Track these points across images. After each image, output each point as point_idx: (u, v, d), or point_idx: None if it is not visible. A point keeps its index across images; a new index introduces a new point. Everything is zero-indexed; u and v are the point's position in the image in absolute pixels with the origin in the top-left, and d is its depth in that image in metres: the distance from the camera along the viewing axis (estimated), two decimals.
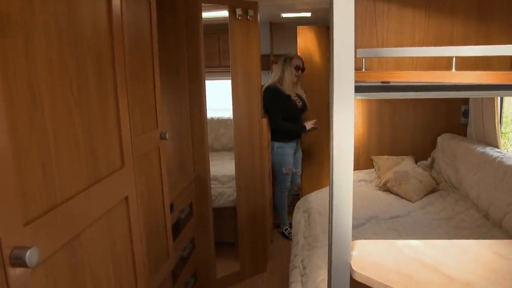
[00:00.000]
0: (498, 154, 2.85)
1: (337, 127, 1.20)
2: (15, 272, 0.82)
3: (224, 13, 3.36)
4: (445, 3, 1.29)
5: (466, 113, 3.64)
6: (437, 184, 3.34)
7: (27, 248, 0.82)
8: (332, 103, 1.19)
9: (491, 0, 1.29)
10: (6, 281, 0.80)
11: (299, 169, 4.28)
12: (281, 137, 3.99)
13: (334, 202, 1.24)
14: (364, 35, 1.25)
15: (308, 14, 4.17)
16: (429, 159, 3.77)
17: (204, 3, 3.01)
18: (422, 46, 1.26)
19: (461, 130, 3.68)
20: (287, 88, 3.95)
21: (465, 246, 1.38)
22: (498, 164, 2.74)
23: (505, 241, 1.42)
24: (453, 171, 3.34)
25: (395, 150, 3.83)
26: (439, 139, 3.68)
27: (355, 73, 1.15)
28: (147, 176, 2.06)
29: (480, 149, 3.06)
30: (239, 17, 3.16)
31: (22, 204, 0.86)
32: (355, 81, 1.16)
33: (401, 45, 1.25)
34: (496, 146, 3.07)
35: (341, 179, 1.23)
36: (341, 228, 1.25)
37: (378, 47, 1.25)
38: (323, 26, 4.62)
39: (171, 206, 2.58)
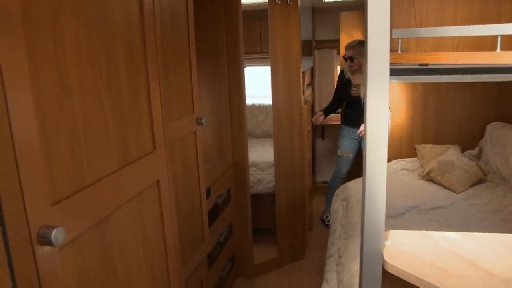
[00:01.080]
0: None
1: (370, 112, 1.15)
2: (42, 250, 0.84)
3: None
4: None
5: None
6: (485, 175, 3.18)
7: (54, 227, 0.84)
8: (366, 87, 1.14)
9: None
10: (34, 258, 0.83)
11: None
12: (342, 119, 4.13)
13: (367, 189, 1.20)
14: (401, 15, 1.18)
15: None
16: (477, 149, 3.60)
17: None
18: (465, 24, 1.18)
19: (511, 118, 3.48)
20: (350, 75, 3.91)
21: (508, 240, 1.30)
22: None
23: None
24: (503, 162, 3.18)
25: (440, 138, 3.68)
26: (488, 127, 3.50)
27: (391, 55, 1.10)
28: (183, 160, 2.08)
29: None
30: (279, 2, 3.11)
31: (50, 185, 0.88)
32: (391, 64, 1.10)
33: (442, 24, 1.18)
34: None
35: (375, 165, 1.18)
36: (373, 216, 1.21)
37: (416, 27, 1.18)
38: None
39: (208, 191, 2.60)
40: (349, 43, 3.89)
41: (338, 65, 4.85)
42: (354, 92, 3.88)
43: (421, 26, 1.19)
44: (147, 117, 1.33)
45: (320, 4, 4.51)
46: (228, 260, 3.09)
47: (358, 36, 4.43)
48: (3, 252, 0.75)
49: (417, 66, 1.15)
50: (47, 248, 0.86)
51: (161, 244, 1.43)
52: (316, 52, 4.91)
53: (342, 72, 4.07)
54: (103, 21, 1.09)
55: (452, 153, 3.37)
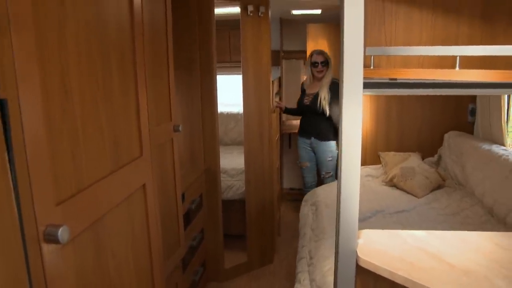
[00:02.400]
0: (504, 152, 2.89)
1: (345, 122, 1.26)
2: (48, 248, 0.90)
3: (235, 9, 3.43)
4: (451, 3, 1.35)
5: (473, 112, 3.68)
6: (443, 180, 3.39)
7: (59, 226, 0.90)
8: (342, 98, 1.25)
9: (495, 1, 1.34)
10: (40, 256, 0.88)
11: (324, 172, 4.01)
12: (298, 130, 4.16)
13: (342, 191, 1.31)
14: (373, 34, 1.31)
15: (318, 11, 4.22)
16: (436, 156, 3.82)
17: (217, 0, 3.07)
18: (429, 44, 1.32)
19: (468, 128, 3.72)
20: (308, 84, 3.98)
21: (467, 237, 1.44)
22: (503, 162, 2.79)
23: (506, 233, 1.48)
24: (460, 168, 3.39)
25: (402, 146, 3.88)
26: (446, 136, 3.73)
27: (364, 70, 1.21)
28: (161, 167, 2.14)
29: (486, 146, 3.11)
30: (251, 14, 3.23)
31: (54, 186, 0.93)
32: (364, 78, 1.22)
33: (409, 44, 1.31)
34: (502, 144, 3.11)
35: (350, 170, 1.29)
36: (348, 217, 1.32)
37: (386, 45, 1.31)
38: (332, 23, 4.67)
39: (183, 196, 2.65)
40: (316, 49, 3.93)
41: (305, 75, 5.01)
42: (305, 101, 3.91)
43: (391, 44, 1.32)
44: (136, 123, 1.40)
45: (288, 16, 4.66)
46: (200, 265, 3.15)
47: (324, 47, 4.60)
48: (21, 250, 0.80)
49: (387, 80, 1.28)
50: (52, 246, 0.91)
51: (147, 245, 1.49)
52: (283, 62, 5.05)
53: (301, 84, 4.17)
54: (100, 30, 1.15)
55: (413, 160, 3.57)
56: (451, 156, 3.59)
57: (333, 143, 3.92)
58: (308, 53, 4.58)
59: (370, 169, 3.82)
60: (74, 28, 1.02)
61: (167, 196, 2.21)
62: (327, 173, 3.98)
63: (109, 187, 1.20)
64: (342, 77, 1.24)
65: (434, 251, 1.31)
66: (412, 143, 3.88)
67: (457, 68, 1.10)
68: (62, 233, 0.90)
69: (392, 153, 3.81)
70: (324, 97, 3.75)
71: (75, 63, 1.02)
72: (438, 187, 3.35)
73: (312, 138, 3.95)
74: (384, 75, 1.21)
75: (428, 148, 3.87)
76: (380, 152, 3.90)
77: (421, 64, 1.31)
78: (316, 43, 4.66)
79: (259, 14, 3.26)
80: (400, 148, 3.87)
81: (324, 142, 3.92)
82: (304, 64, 4.79)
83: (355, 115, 1.25)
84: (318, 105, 3.78)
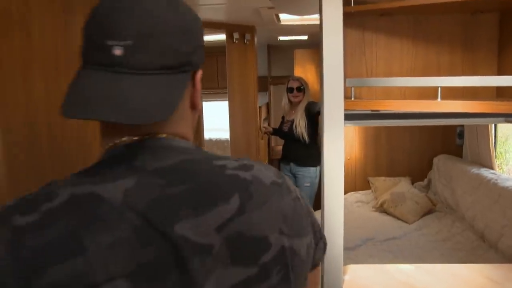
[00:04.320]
0: (493, 176, 2.87)
1: (327, 154, 1.23)
2: None
3: (222, 36, 3.43)
4: (431, 32, 1.33)
5: (461, 134, 3.68)
6: (434, 205, 3.35)
7: None
8: (323, 130, 1.22)
9: (475, 30, 1.33)
10: None
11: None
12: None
13: (325, 228, 1.26)
14: (353, 64, 1.29)
15: (305, 37, 4.24)
16: (426, 180, 3.79)
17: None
18: (410, 74, 1.30)
19: (457, 151, 3.70)
20: (286, 110, 3.91)
21: (457, 271, 1.39)
22: (492, 186, 2.76)
23: (496, 265, 1.44)
24: (450, 192, 3.36)
25: (392, 171, 3.85)
26: (435, 160, 3.71)
27: (345, 102, 1.18)
28: None
29: (475, 170, 3.09)
30: (236, 41, 3.23)
31: None
32: (345, 110, 1.19)
33: (390, 73, 1.29)
34: (491, 167, 3.09)
35: (333, 204, 1.25)
36: (332, 253, 1.27)
37: (367, 76, 1.29)
38: (319, 49, 4.70)
39: None
40: (293, 76, 3.86)
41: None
42: (284, 127, 3.79)
43: (371, 74, 1.29)
44: None
45: (275, 42, 4.68)
46: None
47: (312, 72, 4.62)
48: None
49: (369, 111, 1.25)
50: None
51: None
52: (271, 87, 5.05)
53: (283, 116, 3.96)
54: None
55: (403, 185, 3.54)
56: (440, 180, 3.57)
57: (312, 169, 3.82)
58: None
59: (360, 194, 3.79)
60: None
61: None
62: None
63: None
64: (322, 109, 1.21)
65: (423, 287, 1.26)
66: (402, 168, 3.85)
67: (438, 99, 1.08)
68: None
69: (382, 178, 3.78)
70: (299, 122, 3.67)
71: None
72: (429, 211, 3.31)
73: (291, 164, 3.86)
74: (365, 106, 1.18)
75: (418, 172, 3.84)
76: (370, 178, 3.87)
77: (403, 93, 1.28)
78: (303, 68, 4.67)
79: (245, 41, 3.27)
80: (390, 173, 3.84)
81: (303, 168, 3.76)
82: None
83: (337, 148, 1.21)
84: (295, 131, 3.68)
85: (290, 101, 3.80)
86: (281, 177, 0.66)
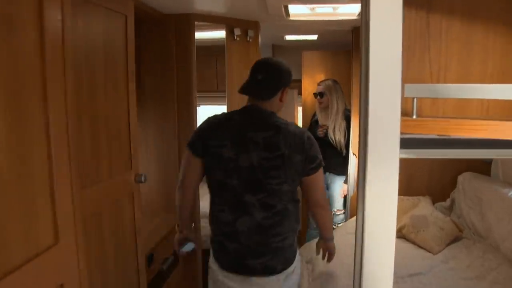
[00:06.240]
0: None
1: (371, 200, 0.79)
2: None
3: (222, 34, 3.01)
4: None
5: None
6: (460, 231, 2.91)
7: None
8: (365, 164, 0.79)
9: None
10: None
11: (335, 208, 3.72)
12: None
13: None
14: (411, 64, 0.85)
15: (314, 37, 3.81)
16: (448, 200, 3.35)
17: (198, 21, 2.64)
18: (497, 79, 0.86)
19: (484, 168, 3.26)
20: (319, 114, 3.71)
21: None
22: None
23: None
24: (479, 217, 2.92)
25: (410, 189, 3.40)
26: (460, 178, 3.26)
27: (402, 121, 0.75)
28: (115, 229, 1.65)
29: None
30: (238, 38, 2.80)
31: None
32: (401, 133, 0.76)
33: (466, 76, 0.85)
34: None
35: (377, 277, 0.82)
36: None
37: (432, 81, 0.86)
38: (330, 50, 4.27)
39: (151, 257, 2.17)
40: (321, 81, 3.76)
41: (300, 105, 4.58)
42: (319, 133, 3.61)
43: (438, 78, 0.86)
44: (45, 196, 0.92)
45: (281, 42, 4.25)
46: None
47: (320, 76, 4.19)
48: None
49: (435, 136, 0.81)
50: None
51: None
52: None
53: (314, 113, 3.90)
54: None
55: (424, 207, 3.10)
56: (466, 201, 3.12)
57: (344, 177, 3.67)
58: (303, 83, 4.26)
59: None
60: None
61: (124, 265, 1.72)
62: (339, 211, 3.71)
63: None
64: (365, 129, 0.78)
65: None
66: (422, 186, 3.40)
67: None
68: None
69: (400, 197, 3.33)
70: (333, 128, 3.52)
71: None
72: (455, 239, 2.87)
73: (327, 174, 3.61)
74: (435, 130, 0.74)
75: (439, 191, 3.39)
76: None
77: (485, 108, 0.85)
78: (311, 73, 4.25)
79: (248, 39, 2.84)
80: (408, 192, 3.38)
81: (340, 177, 3.67)
82: (299, 94, 4.50)
83: (387, 191, 0.79)
84: (331, 137, 3.54)
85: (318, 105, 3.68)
86: (304, 132, 1.83)
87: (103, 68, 1.52)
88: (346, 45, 3.74)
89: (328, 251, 2.08)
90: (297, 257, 1.93)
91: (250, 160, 1.73)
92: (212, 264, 1.89)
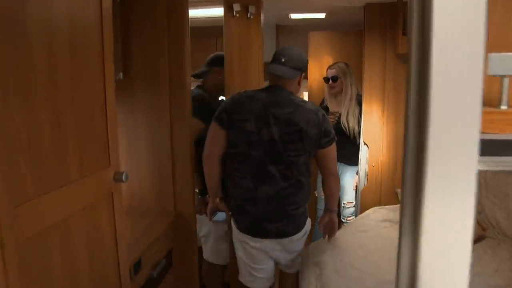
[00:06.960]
0: None
1: (431, 238, 0.52)
2: None
3: (221, 11, 2.71)
4: None
5: None
6: (484, 230, 2.64)
7: None
8: (421, 181, 0.51)
9: None
10: None
11: (345, 201, 3.47)
12: None
13: None
14: (493, 28, 0.56)
15: (322, 16, 3.50)
16: None
17: None
18: None
19: None
20: (329, 101, 3.44)
21: None
22: None
23: None
24: (505, 215, 2.65)
25: None
26: (482, 171, 2.98)
27: (483, 114, 0.47)
28: (90, 239, 1.39)
29: None
30: (237, 15, 2.50)
31: None
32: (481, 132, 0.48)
33: None
34: None
35: None
36: None
37: None
38: (339, 31, 3.95)
39: (138, 264, 1.91)
40: (333, 64, 3.46)
41: (305, 91, 4.28)
42: (331, 120, 3.31)
43: None
44: None
45: (286, 22, 3.94)
46: None
47: (328, 59, 3.89)
48: None
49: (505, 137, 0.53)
50: None
51: None
52: None
53: (323, 99, 3.63)
54: None
55: None
56: (489, 196, 2.84)
57: (357, 167, 3.37)
58: (309, 67, 3.93)
59: (387, 210, 3.05)
60: None
61: (101, 283, 1.46)
62: (349, 203, 3.45)
63: None
64: (424, 127, 0.51)
65: None
66: None
67: None
68: None
69: None
70: (347, 115, 3.27)
71: None
72: (478, 238, 2.60)
73: (338, 164, 3.30)
74: None
75: None
76: (398, 189, 3.15)
77: None
78: (319, 55, 3.94)
79: (248, 15, 2.54)
80: None
81: (352, 167, 3.40)
82: (305, 78, 4.18)
83: (458, 220, 0.51)
84: (344, 125, 3.28)
85: (328, 91, 3.42)
86: (319, 109, 2.20)
87: (67, 48, 1.24)
88: (357, 25, 3.43)
89: (330, 225, 2.37)
90: (307, 221, 2.32)
91: (271, 134, 2.07)
92: (233, 224, 2.30)
